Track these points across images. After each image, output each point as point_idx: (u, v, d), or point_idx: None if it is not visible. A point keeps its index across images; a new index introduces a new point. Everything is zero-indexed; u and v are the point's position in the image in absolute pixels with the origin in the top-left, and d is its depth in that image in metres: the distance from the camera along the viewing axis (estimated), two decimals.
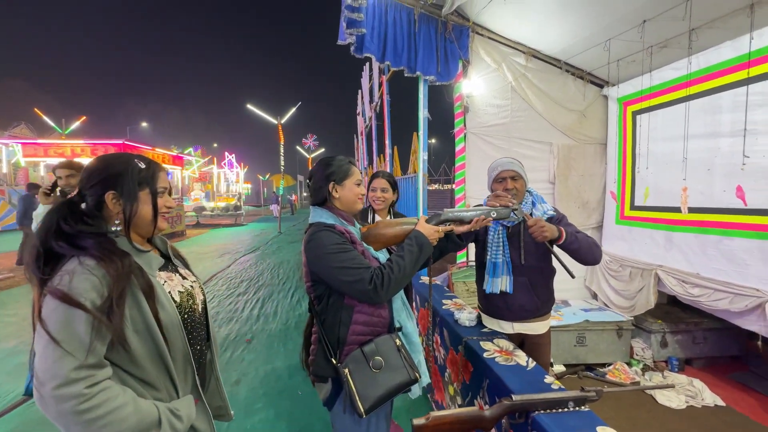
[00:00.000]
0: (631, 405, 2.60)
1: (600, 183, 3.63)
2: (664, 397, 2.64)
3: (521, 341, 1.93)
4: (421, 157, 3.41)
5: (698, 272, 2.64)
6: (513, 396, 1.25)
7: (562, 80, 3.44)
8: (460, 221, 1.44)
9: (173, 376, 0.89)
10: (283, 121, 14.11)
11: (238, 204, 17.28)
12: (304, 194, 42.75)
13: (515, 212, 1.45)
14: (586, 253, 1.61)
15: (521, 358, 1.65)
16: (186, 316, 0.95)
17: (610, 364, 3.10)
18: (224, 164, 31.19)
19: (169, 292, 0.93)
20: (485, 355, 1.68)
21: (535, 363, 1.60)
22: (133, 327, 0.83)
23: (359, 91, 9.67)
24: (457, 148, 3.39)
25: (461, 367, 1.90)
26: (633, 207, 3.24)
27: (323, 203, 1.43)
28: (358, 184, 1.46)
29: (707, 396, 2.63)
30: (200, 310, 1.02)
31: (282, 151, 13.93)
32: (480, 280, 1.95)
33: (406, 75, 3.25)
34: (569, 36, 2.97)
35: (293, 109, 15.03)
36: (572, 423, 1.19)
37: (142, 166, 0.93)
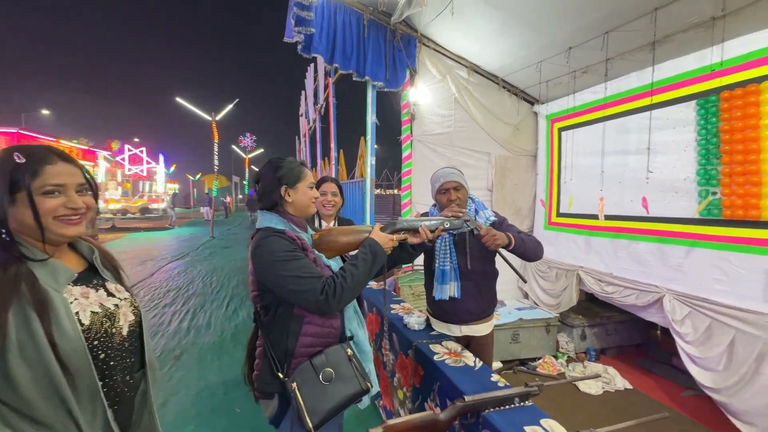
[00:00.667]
0: (557, 394, 2.85)
1: (531, 192, 3.96)
2: (585, 386, 2.93)
3: (467, 342, 2.01)
4: (368, 161, 3.42)
5: (612, 272, 3.00)
6: (465, 397, 1.28)
7: (499, 95, 3.71)
8: (414, 231, 1.45)
9: (75, 414, 0.74)
10: (218, 118, 13.21)
11: (165, 207, 15.71)
12: (239, 196, 40.42)
13: (467, 223, 1.50)
14: (532, 252, 1.72)
15: (469, 358, 1.71)
16: (99, 341, 0.80)
17: (539, 358, 3.38)
18: (122, 160, 26.52)
19: (77, 313, 0.77)
20: (435, 357, 1.71)
21: (482, 363, 1.67)
22: (19, 353, 0.68)
23: (303, 92, 9.43)
24: (404, 155, 3.45)
25: (412, 371, 1.91)
26: (559, 214, 3.58)
27: (273, 207, 1.34)
28: (311, 188, 1.40)
29: (618, 381, 2.98)
30: (124, 333, 0.86)
31: (216, 149, 13.01)
32: (429, 287, 1.99)
33: (354, 79, 3.24)
34: (507, 55, 3.21)
35: (230, 106, 14.16)
36: (519, 418, 1.26)
37: (19, 160, 0.75)
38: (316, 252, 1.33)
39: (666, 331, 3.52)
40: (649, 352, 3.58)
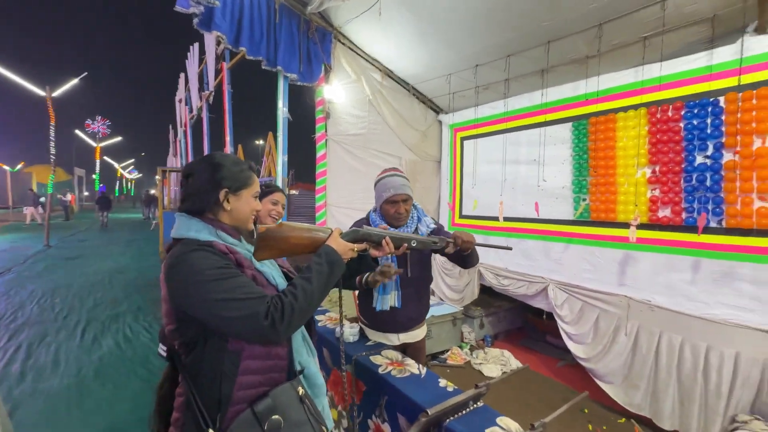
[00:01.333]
0: (468, 381, 3.11)
1: (436, 195, 4.23)
2: (487, 369, 3.27)
3: (404, 349, 1.99)
4: (280, 159, 3.12)
5: (506, 267, 3.41)
6: (428, 410, 1.25)
7: (409, 102, 3.85)
8: (377, 243, 1.34)
9: None
10: (56, 95, 10.37)
11: None
12: (85, 193, 32.71)
13: (436, 244, 1.46)
14: (474, 257, 1.76)
15: (413, 366, 1.69)
16: None
17: (447, 350, 3.63)
18: None
19: None
20: (380, 370, 1.64)
21: (426, 369, 1.66)
22: None
23: (183, 74, 8.16)
24: (319, 154, 3.27)
25: (352, 387, 1.79)
26: (461, 216, 3.92)
27: (201, 213, 1.06)
28: (256, 198, 1.16)
29: (513, 362, 3.42)
30: None
31: (53, 134, 10.17)
32: (364, 297, 1.91)
33: (264, 68, 2.91)
34: (420, 65, 3.35)
35: (74, 81, 11.28)
36: (477, 421, 1.28)
37: None
38: (256, 266, 1.09)
39: (539, 314, 4.23)
40: (528, 333, 4.23)
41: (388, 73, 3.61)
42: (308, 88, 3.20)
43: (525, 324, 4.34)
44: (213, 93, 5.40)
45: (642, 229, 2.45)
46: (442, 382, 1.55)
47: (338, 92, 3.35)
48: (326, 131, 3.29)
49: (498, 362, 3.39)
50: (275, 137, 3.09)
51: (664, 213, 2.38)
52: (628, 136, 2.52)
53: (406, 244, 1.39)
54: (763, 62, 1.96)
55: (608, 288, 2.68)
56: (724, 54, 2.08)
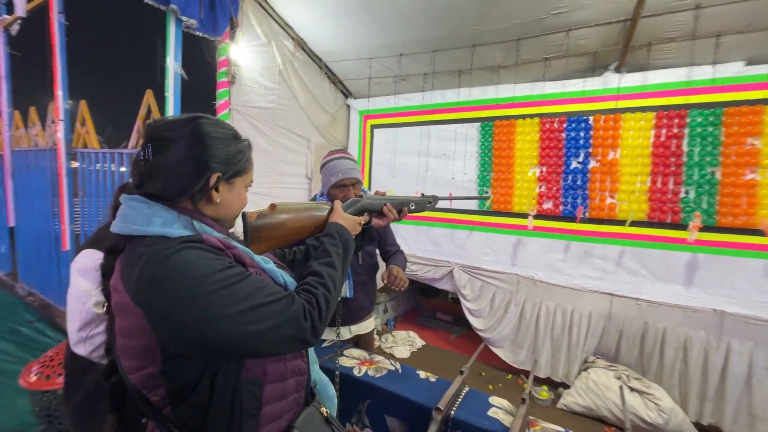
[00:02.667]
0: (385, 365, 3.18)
1: None
2: (398, 352, 3.42)
3: (356, 342, 1.90)
4: None
5: (415, 253, 3.61)
6: (439, 406, 1.21)
7: (320, 80, 3.57)
8: (379, 212, 1.19)
9: None
10: None
11: None
12: None
13: (431, 203, 1.37)
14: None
15: (384, 362, 1.61)
16: None
17: None
18: None
19: None
20: (355, 373, 1.50)
21: (400, 363, 1.61)
22: None
23: None
24: None
25: None
26: None
27: (170, 199, 0.74)
28: (249, 188, 0.89)
29: (418, 341, 3.67)
30: None
31: None
32: None
33: (148, 2, 2.20)
34: (339, 42, 3.13)
35: None
36: (475, 406, 1.32)
37: None
38: (261, 264, 0.83)
39: (428, 295, 4.68)
40: (421, 312, 4.63)
41: (302, 44, 3.25)
42: (208, 43, 2.59)
43: (417, 305, 4.73)
44: (21, 21, 3.77)
45: (533, 219, 2.97)
46: (422, 374, 1.53)
47: (245, 54, 2.82)
48: (230, 99, 2.74)
49: (406, 343, 3.59)
50: (164, 99, 2.37)
51: (548, 206, 2.94)
52: (525, 140, 2.99)
53: (405, 208, 1.30)
54: (616, 94, 2.62)
55: (503, 268, 3.16)
56: (595, 83, 2.69)
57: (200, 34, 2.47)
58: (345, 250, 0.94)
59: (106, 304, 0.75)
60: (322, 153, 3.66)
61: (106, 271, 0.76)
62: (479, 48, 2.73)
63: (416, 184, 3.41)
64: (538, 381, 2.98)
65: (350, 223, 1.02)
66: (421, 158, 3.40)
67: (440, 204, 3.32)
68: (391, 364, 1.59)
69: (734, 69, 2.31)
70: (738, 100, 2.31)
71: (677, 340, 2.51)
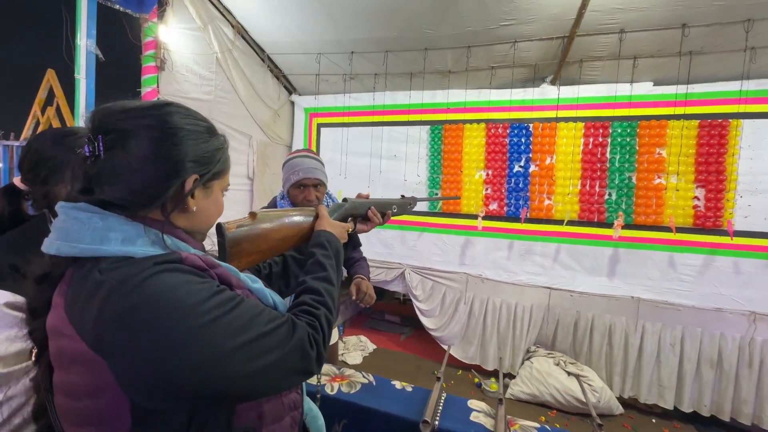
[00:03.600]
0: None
1: None
2: (351, 358, 3.33)
3: None
4: (79, 112, 2.02)
5: (366, 256, 3.54)
6: (427, 419, 1.17)
7: (263, 73, 3.32)
8: (364, 216, 1.10)
9: None
10: None
11: None
12: None
13: (410, 206, 1.31)
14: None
15: (357, 376, 1.52)
16: None
17: None
18: None
19: None
20: (328, 391, 1.39)
21: (371, 374, 1.53)
22: None
23: None
24: None
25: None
26: None
27: (129, 209, 0.58)
28: (225, 192, 0.75)
29: (369, 345, 3.62)
30: None
31: None
32: None
33: None
34: (286, 33, 2.93)
35: None
36: (457, 413, 1.31)
37: None
38: (247, 283, 0.70)
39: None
40: (369, 315, 4.58)
41: (242, 32, 2.97)
42: (131, 20, 2.22)
43: (365, 307, 4.66)
44: None
45: (480, 219, 3.10)
46: (397, 384, 1.48)
47: (177, 38, 2.49)
48: (158, 87, 2.39)
49: (358, 348, 3.51)
50: (74, 82, 1.95)
51: (494, 207, 3.10)
52: (472, 144, 3.12)
53: (389, 211, 1.23)
54: (555, 104, 2.86)
55: (453, 268, 3.26)
56: (535, 93, 2.91)
57: (120, 8, 2.11)
58: (337, 262, 0.84)
59: (35, 352, 0.56)
60: (264, 151, 3.42)
61: (35, 308, 0.56)
62: (431, 52, 2.77)
63: (367, 185, 3.35)
64: (487, 374, 3.13)
65: (338, 230, 0.92)
66: (373, 159, 3.35)
67: None
68: (363, 376, 1.51)
69: (645, 88, 2.68)
70: (648, 115, 2.68)
71: (603, 325, 2.83)
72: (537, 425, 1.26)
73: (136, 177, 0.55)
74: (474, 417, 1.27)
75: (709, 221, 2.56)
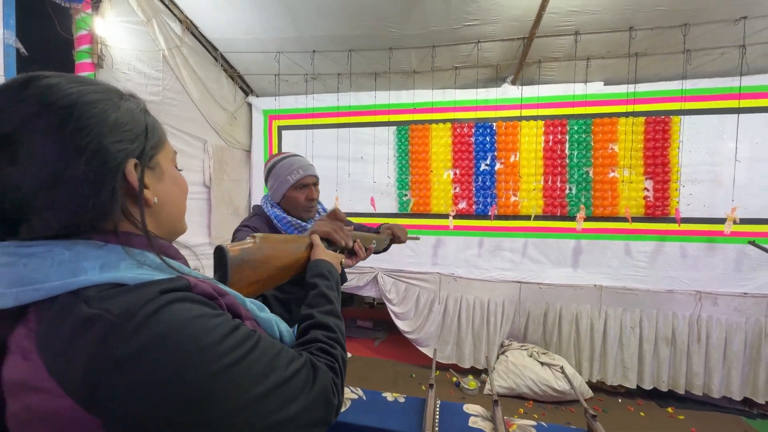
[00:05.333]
0: None
1: (246, 189, 3.64)
2: None
3: None
4: None
5: None
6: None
7: (216, 73, 3.09)
8: (350, 250, 1.02)
9: None
10: None
11: None
12: None
13: (388, 243, 1.28)
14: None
15: (344, 391, 1.42)
16: None
17: None
18: None
19: None
20: None
21: (360, 388, 1.44)
22: None
23: None
24: None
25: None
26: None
27: (72, 234, 0.43)
28: (174, 162, 0.60)
29: None
30: None
31: None
32: None
33: None
34: (241, 29, 2.74)
35: None
36: (456, 420, 1.26)
37: None
38: (254, 312, 0.60)
39: (344, 302, 4.54)
40: None
41: (191, 28, 2.74)
42: (60, 10, 1.94)
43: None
44: None
45: (450, 218, 3.12)
46: (389, 396, 1.41)
47: (117, 32, 2.23)
48: None
49: None
50: None
51: (463, 205, 3.13)
52: (439, 144, 3.13)
53: (371, 246, 1.17)
54: (519, 104, 2.95)
55: (425, 269, 3.24)
56: (498, 93, 2.98)
57: None
58: (339, 294, 0.77)
59: None
60: (221, 156, 3.19)
61: None
62: (396, 51, 2.73)
63: (335, 189, 3.24)
64: (464, 371, 3.15)
65: (335, 261, 0.84)
66: (340, 162, 3.25)
67: (361, 209, 3.23)
68: (352, 391, 1.41)
69: (597, 87, 2.84)
70: (601, 113, 2.85)
71: (570, 314, 2.95)
72: (533, 423, 1.25)
73: (57, 192, 0.41)
74: (473, 422, 1.23)
75: (658, 210, 2.77)
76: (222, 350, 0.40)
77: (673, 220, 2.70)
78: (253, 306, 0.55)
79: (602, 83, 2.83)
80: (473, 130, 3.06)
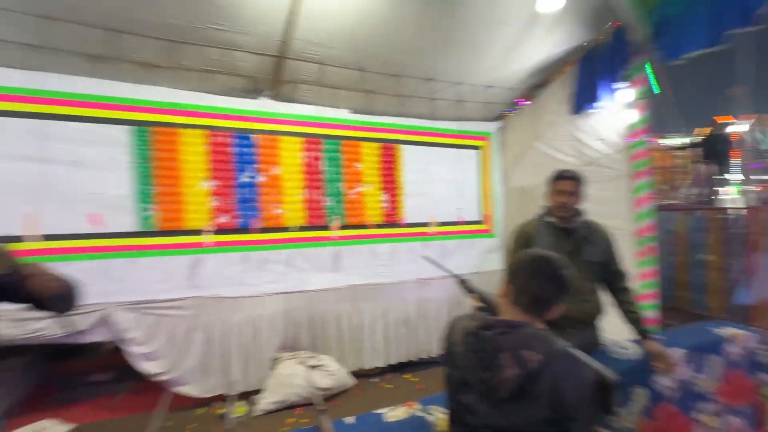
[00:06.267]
0: None
1: None
2: None
3: None
4: None
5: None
6: None
7: None
8: None
9: None
10: None
11: None
12: None
13: None
14: None
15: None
16: None
17: None
18: None
19: None
20: None
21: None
22: None
23: None
24: None
25: None
26: None
27: None
28: None
29: (59, 429, 2.52)
30: None
31: None
32: None
33: None
34: None
35: None
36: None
37: None
38: None
39: (68, 355, 3.37)
40: (59, 385, 3.22)
41: None
42: None
43: (49, 377, 3.26)
44: None
45: (209, 234, 2.83)
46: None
47: None
48: None
49: None
50: None
51: (224, 219, 2.90)
52: (191, 152, 2.78)
53: None
54: (275, 118, 3.00)
55: (181, 294, 2.80)
56: (256, 104, 2.94)
57: None
58: None
59: None
60: None
61: None
62: (125, 36, 2.23)
63: (30, 201, 2.32)
64: (237, 398, 2.90)
65: None
66: (44, 165, 2.35)
67: (79, 228, 2.48)
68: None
69: (345, 113, 3.28)
70: (349, 136, 3.30)
71: (333, 315, 3.25)
72: None
73: None
74: None
75: (392, 218, 3.46)
76: None
77: (400, 225, 3.44)
78: None
79: (349, 111, 3.30)
80: (233, 140, 2.91)
